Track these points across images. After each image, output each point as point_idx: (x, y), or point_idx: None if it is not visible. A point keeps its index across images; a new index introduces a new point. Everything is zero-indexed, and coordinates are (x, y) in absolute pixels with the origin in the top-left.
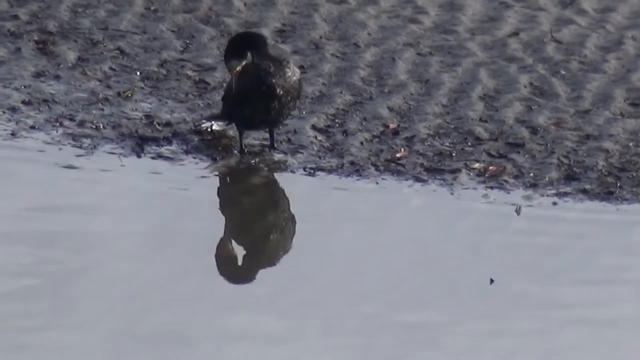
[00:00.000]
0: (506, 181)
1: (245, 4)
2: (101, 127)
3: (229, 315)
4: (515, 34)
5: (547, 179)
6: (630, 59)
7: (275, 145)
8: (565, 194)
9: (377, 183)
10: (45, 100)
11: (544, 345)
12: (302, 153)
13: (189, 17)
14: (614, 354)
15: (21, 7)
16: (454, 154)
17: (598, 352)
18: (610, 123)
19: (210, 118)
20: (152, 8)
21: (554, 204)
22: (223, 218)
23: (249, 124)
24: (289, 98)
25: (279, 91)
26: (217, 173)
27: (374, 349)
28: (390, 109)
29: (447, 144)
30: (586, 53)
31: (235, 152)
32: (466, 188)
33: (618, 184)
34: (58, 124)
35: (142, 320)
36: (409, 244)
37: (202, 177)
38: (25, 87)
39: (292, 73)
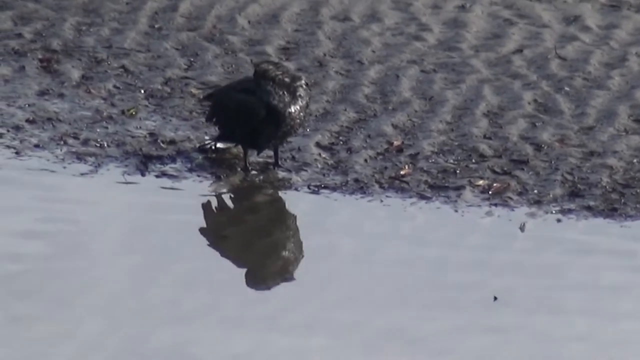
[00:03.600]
0: (510, 198)
1: (249, 22)
2: (105, 145)
3: (233, 333)
4: (519, 50)
5: (551, 195)
6: (634, 76)
7: (280, 163)
8: (570, 211)
9: (382, 200)
10: (49, 119)
11: None
12: (306, 171)
13: (193, 35)
14: None
15: (25, 26)
16: (458, 171)
17: None
18: (614, 139)
19: (215, 139)
20: (156, 26)
21: (558, 220)
22: (227, 236)
23: (255, 144)
24: (297, 122)
25: (284, 125)
26: (221, 191)
27: None
28: (395, 126)
29: (451, 161)
30: (590, 70)
31: (239, 170)
32: (470, 205)
33: (622, 201)
34: (62, 142)
35: (147, 338)
36: (413, 262)
37: (207, 195)
38: (29, 105)
39: (302, 98)
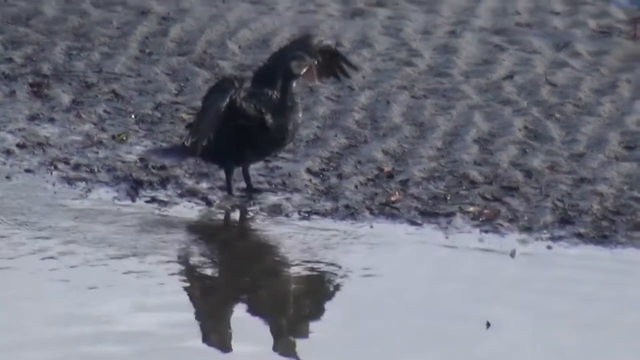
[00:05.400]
0: (501, 225)
1: (239, 47)
2: (96, 170)
3: None
4: (509, 76)
5: (541, 222)
6: (625, 102)
7: (253, 186)
8: (560, 238)
9: (372, 227)
10: (39, 144)
11: None
12: (296, 196)
13: (183, 59)
14: None
15: (16, 50)
16: (448, 198)
17: None
18: (604, 166)
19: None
20: (146, 51)
21: (549, 247)
22: (217, 262)
23: (239, 159)
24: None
25: (287, 141)
26: (211, 217)
27: None
28: (385, 152)
29: (442, 187)
30: (581, 96)
31: (230, 195)
32: (461, 232)
33: (613, 228)
34: (53, 167)
35: None
36: (404, 289)
37: (197, 221)
38: (19, 130)
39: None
